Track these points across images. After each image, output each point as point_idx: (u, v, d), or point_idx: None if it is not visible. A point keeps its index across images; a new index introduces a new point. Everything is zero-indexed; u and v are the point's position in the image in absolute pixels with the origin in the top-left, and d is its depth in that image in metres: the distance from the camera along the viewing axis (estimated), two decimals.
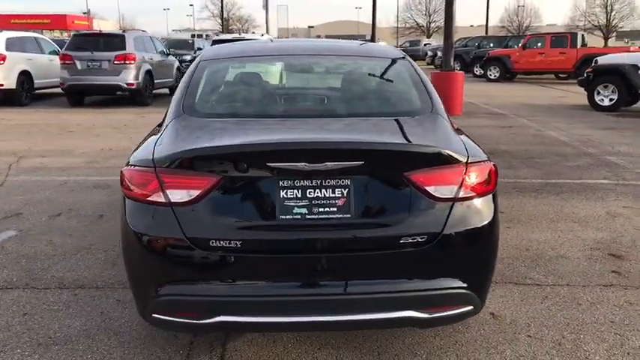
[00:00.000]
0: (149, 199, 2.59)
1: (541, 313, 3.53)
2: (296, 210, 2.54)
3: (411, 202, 2.56)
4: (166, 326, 2.79)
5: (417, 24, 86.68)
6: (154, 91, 15.53)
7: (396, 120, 2.99)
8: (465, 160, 2.65)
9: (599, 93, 14.02)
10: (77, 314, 3.54)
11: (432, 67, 34.09)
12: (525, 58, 23.87)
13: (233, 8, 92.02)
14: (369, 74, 3.67)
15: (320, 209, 2.55)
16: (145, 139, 3.14)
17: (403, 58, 3.74)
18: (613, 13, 76.89)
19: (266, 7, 47.67)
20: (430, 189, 2.57)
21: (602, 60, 14.42)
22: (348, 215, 2.55)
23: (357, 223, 2.54)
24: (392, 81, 3.51)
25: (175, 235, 2.54)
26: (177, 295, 2.57)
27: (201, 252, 2.52)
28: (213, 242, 2.51)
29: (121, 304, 3.66)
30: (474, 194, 2.64)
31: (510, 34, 57.30)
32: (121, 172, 2.76)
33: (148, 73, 14.88)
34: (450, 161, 2.62)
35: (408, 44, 46.99)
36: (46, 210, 5.70)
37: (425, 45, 46.12)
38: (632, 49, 23.02)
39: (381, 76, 3.61)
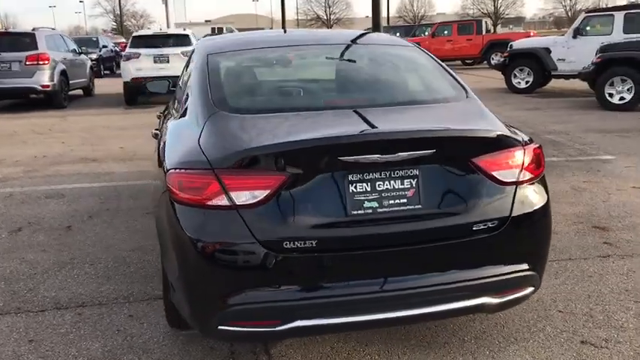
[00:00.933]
0: (210, 203, 2.41)
1: (560, 289, 3.64)
2: (367, 204, 2.45)
3: (479, 188, 2.54)
4: (234, 337, 2.63)
5: (318, 16, 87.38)
6: (69, 92, 14.62)
7: (443, 106, 2.96)
8: (523, 143, 2.67)
9: (515, 76, 14.72)
10: (91, 335, 3.26)
11: None
12: (435, 45, 24.61)
13: (127, 4, 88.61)
14: (392, 62, 3.61)
15: (390, 201, 2.47)
16: (171, 141, 2.93)
17: (412, 45, 3.73)
18: (500, 0, 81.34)
19: (166, 0, 46.20)
20: (496, 174, 2.56)
21: (516, 45, 15.15)
22: (419, 206, 2.49)
23: (429, 213, 2.49)
24: (415, 68, 3.47)
25: (245, 239, 2.38)
26: (251, 303, 2.40)
27: (275, 255, 2.37)
28: (286, 244, 2.37)
29: (136, 320, 3.40)
30: (532, 176, 2.66)
31: (407, 24, 59.18)
32: (168, 176, 2.55)
33: (63, 73, 13.97)
34: (511, 145, 2.63)
35: None
36: (2, 226, 5.21)
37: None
38: (532, 33, 24.40)
39: (404, 64, 3.56)
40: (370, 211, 2.45)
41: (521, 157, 2.62)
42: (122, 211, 5.53)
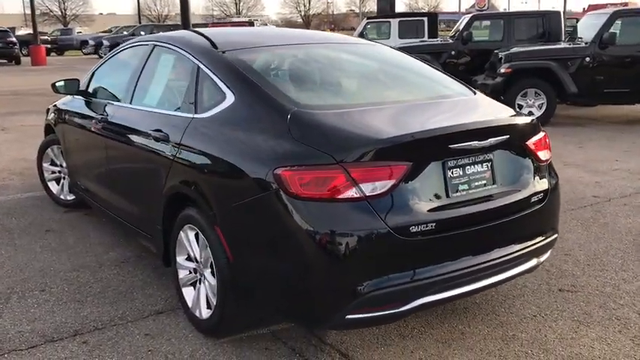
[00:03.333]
0: (340, 196, 2.46)
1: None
2: (460, 187, 2.75)
3: (531, 167, 3.02)
4: (362, 324, 2.69)
5: (50, 11, 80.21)
6: None
7: (471, 99, 3.35)
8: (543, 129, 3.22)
9: None
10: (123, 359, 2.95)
11: (97, 57, 32.52)
12: None
13: None
14: (394, 61, 3.86)
15: (475, 183, 2.80)
16: (230, 139, 2.86)
17: (384, 45, 4.08)
18: (241, 3, 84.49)
19: None
20: (540, 154, 3.07)
21: None
22: (494, 185, 2.87)
23: (502, 191, 2.88)
24: (414, 65, 3.78)
25: (378, 227, 2.48)
26: (381, 289, 2.52)
27: (403, 239, 2.53)
28: (413, 228, 2.55)
29: (159, 337, 3.15)
30: (550, 154, 3.22)
31: (151, 23, 58.25)
32: (279, 175, 2.51)
33: None
34: (540, 129, 3.15)
35: (59, 33, 43.29)
36: None
37: (78, 33, 43.24)
38: None
39: (407, 62, 3.83)
40: (464, 192, 2.75)
41: (547, 138, 3.16)
42: (18, 230, 4.80)
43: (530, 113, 9.61)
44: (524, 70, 9.79)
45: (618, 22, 9.61)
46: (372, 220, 2.49)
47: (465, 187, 2.76)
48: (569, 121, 10.15)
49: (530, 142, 3.03)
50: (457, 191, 2.73)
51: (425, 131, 2.68)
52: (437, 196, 2.67)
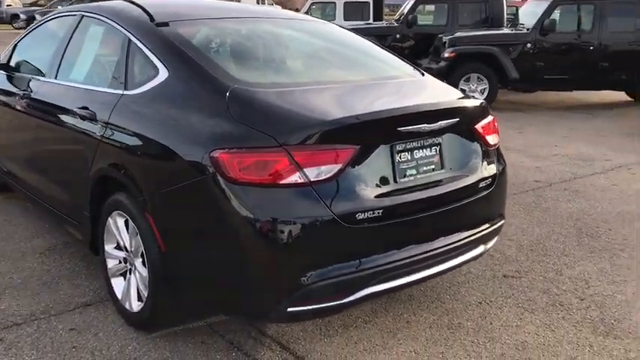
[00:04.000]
0: (283, 181, 2.29)
1: None
2: (408, 172, 2.62)
3: (479, 151, 2.92)
4: (305, 317, 2.55)
5: None
6: None
7: (421, 81, 3.22)
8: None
9: None
10: (43, 357, 2.70)
11: None
12: None
13: None
14: (342, 40, 3.66)
15: (424, 168, 2.68)
16: (161, 116, 2.63)
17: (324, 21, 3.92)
18: None
19: None
20: (489, 138, 2.98)
21: None
22: (443, 170, 2.76)
23: (450, 176, 2.78)
24: (363, 45, 3.61)
25: (323, 214, 2.34)
26: (326, 279, 2.37)
27: (349, 227, 2.38)
28: (359, 215, 2.41)
29: (85, 332, 2.92)
30: (498, 139, 3.14)
31: None
32: (216, 157, 2.31)
33: None
34: (489, 112, 3.06)
35: None
36: None
37: (8, 6, 40.98)
38: None
39: (355, 42, 3.65)
40: (412, 177, 2.63)
41: (495, 123, 3.08)
42: None
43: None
44: (467, 54, 9.82)
45: (558, 9, 9.76)
46: (316, 207, 2.33)
47: (413, 172, 2.64)
48: (510, 107, 10.28)
49: (479, 126, 2.94)
50: (405, 176, 2.61)
51: (373, 113, 2.53)
52: (384, 182, 2.54)
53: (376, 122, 2.50)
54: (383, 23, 14.04)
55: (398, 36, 12.25)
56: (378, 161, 2.51)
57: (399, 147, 2.58)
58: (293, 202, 2.32)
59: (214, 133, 2.41)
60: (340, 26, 3.93)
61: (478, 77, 9.81)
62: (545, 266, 3.81)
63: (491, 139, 3.01)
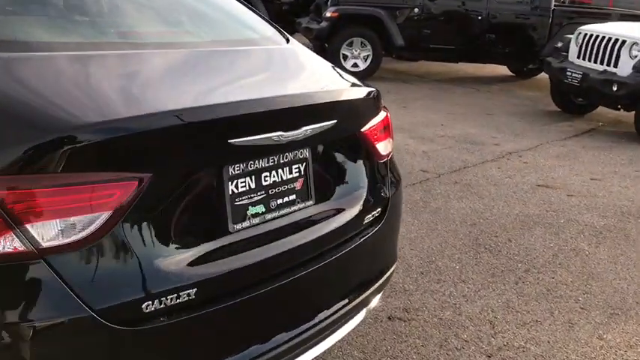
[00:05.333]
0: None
1: None
2: (251, 210, 1.57)
3: (365, 167, 1.94)
4: None
5: None
6: None
7: (289, 52, 2.11)
8: (382, 103, 2.11)
9: None
10: None
11: None
12: None
13: None
14: None
15: (278, 201, 1.64)
16: None
17: None
18: None
19: None
20: (379, 146, 1.98)
21: None
22: (310, 202, 1.73)
23: (322, 211, 1.76)
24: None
25: (68, 311, 1.24)
26: None
27: (128, 330, 1.29)
28: (148, 305, 1.32)
29: None
30: (392, 144, 2.15)
31: None
32: None
33: None
34: (380, 106, 2.04)
35: None
36: None
37: None
38: None
39: None
40: (257, 220, 1.57)
41: (388, 121, 2.07)
42: None
43: (355, 65, 8.79)
44: (351, 15, 8.75)
45: None
46: (53, 299, 1.20)
47: (260, 208, 1.58)
48: (394, 77, 9.49)
49: (367, 129, 1.93)
50: (245, 218, 1.53)
51: (185, 111, 1.40)
52: (207, 234, 1.46)
53: (189, 128, 1.38)
54: None
55: None
56: (194, 197, 1.42)
57: (233, 170, 1.50)
58: (5, 291, 1.17)
59: None
60: None
61: (362, 42, 8.82)
62: (439, 299, 2.96)
63: (383, 147, 2.01)
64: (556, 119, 7.35)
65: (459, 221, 3.96)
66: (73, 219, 1.21)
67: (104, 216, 1.24)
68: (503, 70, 10.43)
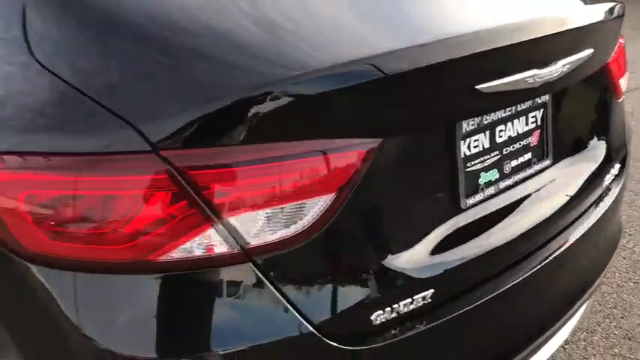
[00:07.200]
0: (157, 256, 0.84)
1: None
2: (483, 177, 1.17)
3: (607, 111, 1.51)
4: None
5: None
6: None
7: None
8: None
9: None
10: None
11: None
12: None
13: None
14: None
15: (512, 163, 1.24)
16: None
17: None
18: None
19: None
20: (622, 81, 1.57)
21: None
22: (547, 161, 1.33)
23: (560, 173, 1.35)
24: None
25: (287, 328, 0.91)
26: None
27: (353, 351, 0.95)
28: (379, 314, 0.97)
29: None
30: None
31: None
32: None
33: None
34: (620, 25, 1.56)
35: None
36: None
37: None
38: None
39: None
40: (491, 190, 1.17)
41: (623, 49, 1.58)
42: None
43: None
44: None
45: None
46: (267, 316, 0.89)
47: (492, 174, 1.18)
48: None
49: (611, 63, 1.48)
50: (477, 190, 1.15)
51: (425, 48, 0.98)
52: (438, 215, 1.08)
53: (436, 70, 0.98)
54: None
55: None
56: (422, 167, 1.06)
57: (467, 125, 1.10)
58: (198, 307, 0.87)
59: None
60: None
61: None
62: None
63: (624, 82, 1.56)
64: None
65: None
66: (287, 206, 0.86)
67: (326, 199, 0.88)
68: None
